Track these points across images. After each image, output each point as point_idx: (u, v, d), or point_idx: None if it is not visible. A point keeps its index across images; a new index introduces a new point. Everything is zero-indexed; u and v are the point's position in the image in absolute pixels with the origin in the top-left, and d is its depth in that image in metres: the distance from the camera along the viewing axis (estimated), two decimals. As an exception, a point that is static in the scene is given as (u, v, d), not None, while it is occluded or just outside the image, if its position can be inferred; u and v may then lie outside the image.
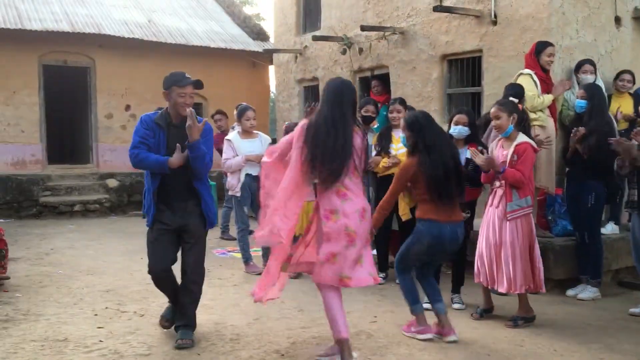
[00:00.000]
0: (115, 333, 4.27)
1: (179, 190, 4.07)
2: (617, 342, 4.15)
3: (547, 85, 5.78)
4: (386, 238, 5.96)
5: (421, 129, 4.14)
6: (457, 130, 4.94)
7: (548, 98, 5.68)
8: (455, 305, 5.01)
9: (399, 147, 5.59)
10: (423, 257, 4.22)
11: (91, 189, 11.57)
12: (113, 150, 12.22)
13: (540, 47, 5.79)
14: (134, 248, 7.65)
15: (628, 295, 5.35)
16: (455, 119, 5.02)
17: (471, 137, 4.99)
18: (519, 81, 5.69)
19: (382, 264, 5.99)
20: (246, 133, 6.38)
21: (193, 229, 4.11)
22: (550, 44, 5.82)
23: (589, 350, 3.97)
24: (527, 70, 5.74)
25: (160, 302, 5.07)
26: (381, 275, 5.85)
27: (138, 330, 4.36)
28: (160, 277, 4.15)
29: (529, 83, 5.64)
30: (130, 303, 5.10)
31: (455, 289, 5.13)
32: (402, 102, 5.96)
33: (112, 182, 11.77)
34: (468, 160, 4.83)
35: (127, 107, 12.44)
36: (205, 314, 4.75)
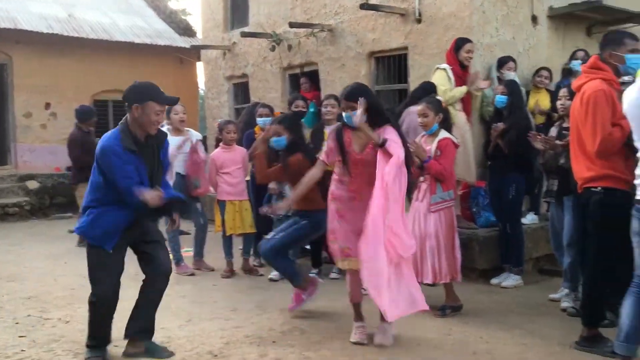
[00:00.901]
0: (38, 341, 4.10)
1: (148, 210, 3.65)
2: (539, 327, 4.35)
3: (463, 81, 5.95)
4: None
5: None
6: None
7: (459, 90, 5.84)
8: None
9: None
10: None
11: (10, 191, 11.01)
12: (32, 150, 11.69)
13: (460, 43, 5.97)
14: (57, 252, 7.36)
15: (548, 282, 5.61)
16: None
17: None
18: (434, 75, 5.91)
19: (315, 260, 6.03)
20: (176, 130, 6.26)
21: (151, 228, 3.88)
22: (469, 41, 6.00)
23: (512, 337, 4.15)
24: (444, 65, 5.92)
25: (86, 307, 4.89)
26: (314, 271, 5.90)
27: (63, 337, 4.20)
28: (112, 301, 3.80)
29: (443, 78, 5.84)
30: (54, 310, 4.90)
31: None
32: (336, 97, 6.01)
33: (33, 184, 11.24)
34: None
35: (48, 105, 11.94)
36: (134, 318, 4.63)
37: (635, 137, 3.31)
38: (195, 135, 6.52)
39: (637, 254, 3.35)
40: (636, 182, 3.26)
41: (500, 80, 6.14)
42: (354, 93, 3.90)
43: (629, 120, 3.34)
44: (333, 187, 4.10)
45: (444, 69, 5.89)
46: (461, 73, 5.96)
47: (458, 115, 5.87)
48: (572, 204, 4.48)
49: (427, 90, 5.66)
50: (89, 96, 12.25)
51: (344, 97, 3.95)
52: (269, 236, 4.78)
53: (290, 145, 4.76)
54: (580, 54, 6.43)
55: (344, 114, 3.98)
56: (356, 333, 4.09)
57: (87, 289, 5.43)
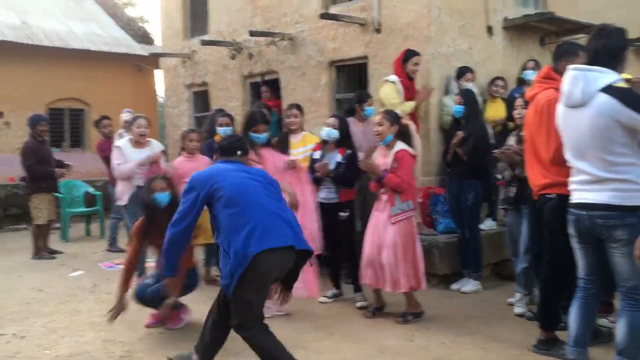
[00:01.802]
0: (-9, 359, 3.97)
1: None
2: (498, 331, 4.43)
3: (410, 93, 6.02)
4: None
5: None
6: (326, 132, 5.19)
7: (409, 105, 5.91)
8: (358, 304, 5.16)
9: (297, 152, 5.66)
10: None
11: (-40, 203, 10.65)
12: (-15, 160, 11.34)
13: (408, 55, 6.03)
14: (11, 265, 7.14)
15: (506, 286, 5.71)
16: (326, 121, 5.33)
17: (341, 141, 5.22)
18: (383, 88, 5.97)
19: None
20: (137, 143, 6.17)
21: None
22: (417, 54, 6.07)
23: (473, 341, 4.22)
24: (392, 78, 5.97)
25: (43, 322, 4.79)
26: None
27: (18, 353, 4.08)
28: None
29: (392, 91, 5.91)
30: (8, 325, 4.75)
31: (356, 288, 5.27)
32: (298, 107, 6.02)
33: (-15, 195, 10.90)
34: (339, 164, 5.13)
35: (0, 115, 11.60)
36: (92, 331, 4.54)
37: (565, 148, 3.40)
38: (157, 146, 6.43)
39: (577, 257, 3.46)
40: (570, 187, 3.38)
41: (460, 90, 6.25)
42: None
43: (560, 132, 3.43)
44: None
45: (393, 82, 5.95)
46: (409, 84, 6.03)
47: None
48: (528, 211, 4.59)
49: (362, 99, 5.82)
50: (44, 105, 11.97)
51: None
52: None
53: (174, 201, 4.46)
54: (531, 64, 6.62)
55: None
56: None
57: (43, 303, 5.34)
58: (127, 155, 6.06)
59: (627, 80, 3.35)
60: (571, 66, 3.33)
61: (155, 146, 6.34)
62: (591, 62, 3.23)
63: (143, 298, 4.58)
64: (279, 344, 3.29)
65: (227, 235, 3.25)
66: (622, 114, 3.01)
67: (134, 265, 4.62)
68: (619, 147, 3.06)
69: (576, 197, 3.30)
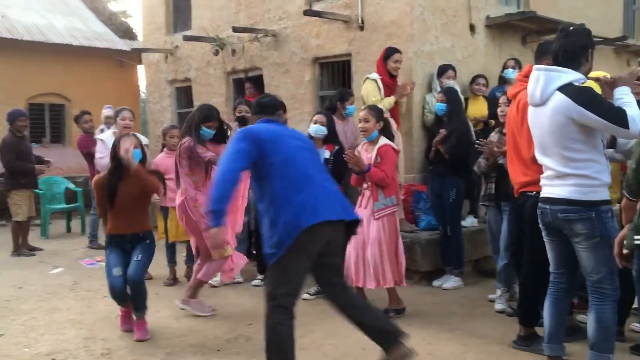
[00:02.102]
0: (-31, 357, 3.92)
1: None
2: (479, 327, 4.47)
3: (392, 91, 6.05)
4: None
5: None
6: (314, 129, 5.21)
7: (388, 101, 5.93)
8: None
9: None
10: None
11: (-63, 199, 10.46)
12: (-37, 156, 11.14)
13: (389, 53, 6.07)
14: (-10, 262, 7.06)
15: (487, 283, 5.77)
16: (314, 118, 5.35)
17: (329, 137, 5.29)
18: (364, 85, 6.01)
19: (261, 266, 6.00)
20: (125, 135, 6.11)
21: None
22: (398, 51, 6.10)
23: (454, 337, 4.25)
24: (374, 76, 6.01)
25: (22, 319, 4.74)
26: (260, 277, 5.90)
27: (-4, 352, 4.03)
28: None
29: (374, 88, 5.94)
30: (-14, 323, 4.70)
31: None
32: (281, 104, 6.00)
33: (-37, 191, 10.72)
34: (327, 160, 5.20)
35: (-21, 109, 11.42)
36: (73, 329, 4.51)
37: (534, 147, 3.48)
38: (142, 139, 6.39)
39: (547, 250, 3.52)
40: (540, 183, 3.45)
41: (442, 88, 6.28)
42: None
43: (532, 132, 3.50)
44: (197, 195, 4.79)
45: (374, 80, 5.98)
46: (390, 82, 6.06)
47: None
48: (509, 209, 4.63)
49: (344, 97, 5.97)
50: (24, 99, 11.80)
51: None
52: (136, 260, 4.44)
53: (142, 161, 4.62)
54: (511, 62, 6.66)
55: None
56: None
57: (22, 301, 5.28)
58: (110, 148, 6.00)
59: (597, 80, 3.41)
60: (534, 67, 3.43)
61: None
62: (554, 62, 3.32)
63: (118, 291, 4.29)
64: (292, 340, 3.19)
65: (276, 205, 3.15)
66: (574, 112, 3.10)
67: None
68: (575, 143, 3.16)
69: (543, 191, 3.40)
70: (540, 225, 3.46)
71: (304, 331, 4.38)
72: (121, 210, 4.40)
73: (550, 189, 3.33)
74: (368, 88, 5.96)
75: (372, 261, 4.64)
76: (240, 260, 5.19)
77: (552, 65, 3.31)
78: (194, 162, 4.85)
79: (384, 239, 4.64)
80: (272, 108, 3.62)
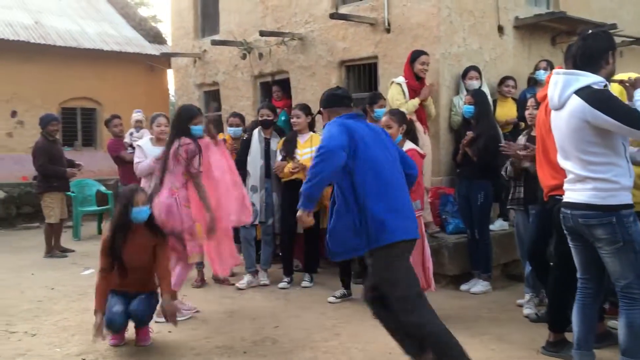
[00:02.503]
0: (3, 356, 4.01)
1: None
2: (507, 332, 4.41)
3: (418, 94, 6.00)
4: (291, 242, 6.03)
5: None
6: None
7: (412, 103, 5.90)
8: None
9: (304, 152, 5.69)
10: None
11: (-26, 201, 10.77)
12: (-1, 160, 11.46)
13: (415, 55, 6.03)
14: (24, 263, 7.22)
15: (515, 287, 5.68)
16: None
17: None
18: (389, 90, 6.01)
19: (287, 268, 6.03)
20: (157, 140, 6.20)
21: None
22: (424, 53, 6.05)
23: (481, 342, 4.20)
24: (399, 80, 5.98)
25: (54, 320, 4.84)
26: (286, 279, 5.91)
27: (29, 351, 4.12)
28: None
29: (398, 92, 5.92)
30: (20, 323, 4.80)
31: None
32: (302, 107, 6.03)
33: (-1, 194, 11.02)
34: None
35: (14, 114, 11.72)
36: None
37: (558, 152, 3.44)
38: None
39: (573, 254, 3.46)
40: (564, 187, 3.40)
41: (467, 90, 6.24)
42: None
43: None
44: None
45: (399, 84, 5.96)
46: (416, 85, 6.00)
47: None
48: (536, 212, 4.56)
49: (373, 100, 5.84)
50: (57, 104, 12.07)
51: None
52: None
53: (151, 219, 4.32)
54: (543, 64, 6.57)
55: None
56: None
57: (54, 302, 5.39)
58: (147, 153, 6.08)
59: (621, 82, 3.36)
60: (554, 70, 3.42)
61: None
62: (572, 66, 3.30)
63: (116, 326, 4.14)
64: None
65: (363, 203, 3.27)
66: (589, 114, 3.07)
67: (108, 285, 4.20)
68: (593, 146, 3.13)
69: (565, 196, 3.38)
70: (564, 230, 3.43)
71: (329, 335, 4.40)
72: (126, 271, 4.16)
73: (570, 194, 3.31)
74: (392, 92, 5.96)
75: (396, 266, 4.60)
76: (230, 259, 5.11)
77: (572, 69, 3.28)
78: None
79: (409, 245, 4.59)
80: (346, 99, 3.70)
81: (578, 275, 3.48)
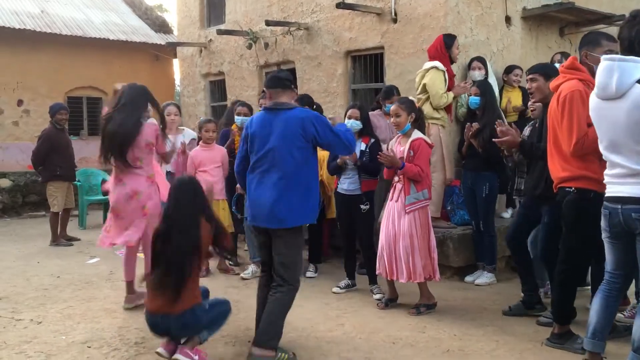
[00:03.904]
0: (9, 343, 4.04)
1: None
2: (510, 324, 4.41)
3: (451, 82, 5.95)
4: (320, 231, 6.14)
5: None
6: (350, 123, 5.13)
7: (450, 96, 5.86)
8: (376, 296, 5.13)
9: None
10: None
11: (-19, 190, 10.82)
12: (5, 148, 11.48)
13: (449, 40, 5.91)
14: (29, 252, 7.25)
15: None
16: (348, 113, 5.27)
17: (364, 130, 5.22)
18: (431, 74, 5.80)
19: (313, 257, 6.11)
20: (168, 129, 6.21)
21: None
22: (455, 36, 6.02)
23: (485, 333, 4.20)
24: (441, 67, 5.82)
25: (60, 308, 4.86)
26: (312, 269, 5.97)
27: (35, 338, 4.14)
28: None
29: (441, 81, 5.80)
30: (26, 310, 4.83)
31: (372, 281, 5.27)
32: (302, 98, 5.99)
33: (5, 182, 11.05)
34: (362, 152, 5.15)
35: (20, 102, 11.73)
36: (108, 318, 4.60)
37: (599, 141, 3.31)
38: (190, 134, 6.51)
39: (606, 251, 3.40)
40: (605, 181, 3.32)
41: (473, 81, 6.19)
42: None
43: (594, 125, 3.34)
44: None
45: (443, 71, 5.80)
46: (452, 73, 5.96)
47: (447, 121, 6.01)
48: (546, 209, 4.45)
49: (389, 93, 5.84)
50: (63, 93, 12.07)
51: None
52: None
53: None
54: (557, 57, 6.45)
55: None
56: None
57: (60, 289, 5.42)
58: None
59: None
60: (604, 56, 3.18)
61: (188, 134, 6.41)
62: (625, 51, 3.09)
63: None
64: None
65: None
66: None
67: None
68: None
69: (610, 190, 3.21)
70: (604, 226, 3.28)
71: (334, 325, 4.41)
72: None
73: (620, 188, 3.14)
74: (435, 78, 5.77)
75: (403, 255, 4.61)
76: None
77: (625, 55, 3.05)
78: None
79: (415, 233, 4.60)
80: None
81: (609, 269, 3.37)
